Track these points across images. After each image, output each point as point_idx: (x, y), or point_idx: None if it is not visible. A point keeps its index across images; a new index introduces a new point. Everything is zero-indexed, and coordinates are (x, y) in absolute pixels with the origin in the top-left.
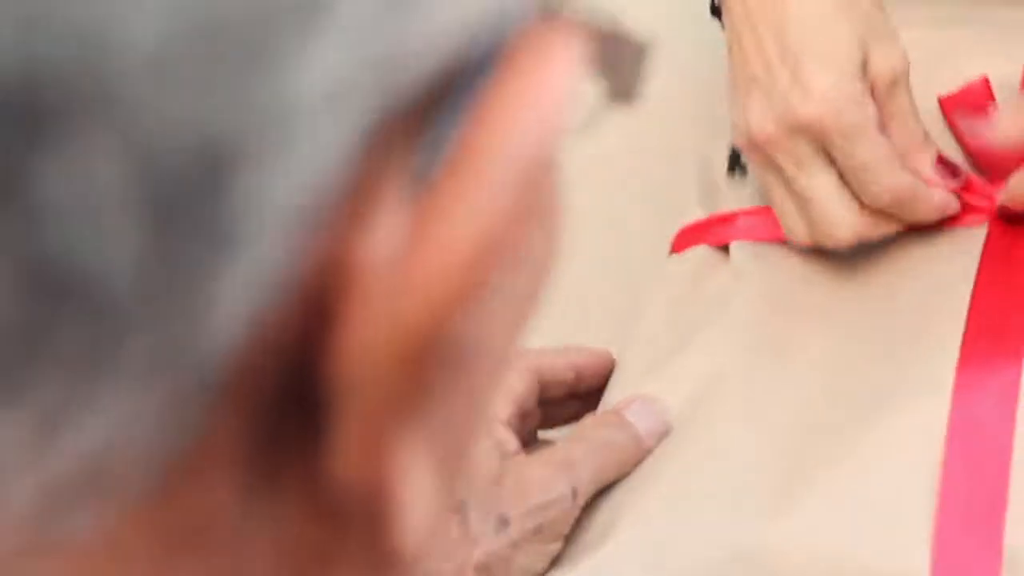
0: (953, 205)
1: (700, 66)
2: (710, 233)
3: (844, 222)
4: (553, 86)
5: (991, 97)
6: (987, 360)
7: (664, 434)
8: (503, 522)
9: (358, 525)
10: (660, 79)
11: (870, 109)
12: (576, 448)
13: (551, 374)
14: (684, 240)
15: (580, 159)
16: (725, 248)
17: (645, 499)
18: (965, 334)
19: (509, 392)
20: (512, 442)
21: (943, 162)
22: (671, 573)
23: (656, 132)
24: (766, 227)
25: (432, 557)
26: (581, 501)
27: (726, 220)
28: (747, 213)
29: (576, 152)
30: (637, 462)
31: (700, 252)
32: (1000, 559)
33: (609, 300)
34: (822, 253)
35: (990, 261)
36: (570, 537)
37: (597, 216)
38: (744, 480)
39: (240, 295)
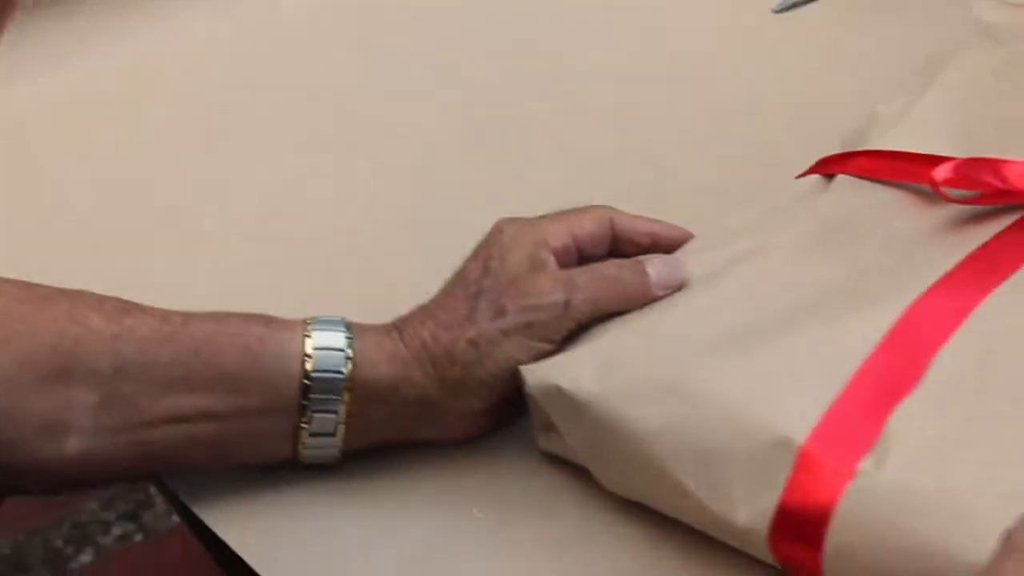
0: None
1: None
2: (834, 164)
3: None
4: None
5: None
6: (955, 288)
7: (675, 287)
8: (500, 312)
9: None
10: None
11: None
12: (583, 273)
13: (626, 231)
14: (813, 168)
15: None
16: None
17: (624, 323)
18: (949, 272)
19: (575, 226)
20: (550, 263)
21: None
22: (614, 387)
23: None
24: (879, 166)
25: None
26: (574, 315)
27: (849, 156)
28: (872, 153)
29: None
30: (641, 303)
31: (815, 179)
32: (876, 435)
33: None
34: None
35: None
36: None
37: None
38: (713, 330)
39: None
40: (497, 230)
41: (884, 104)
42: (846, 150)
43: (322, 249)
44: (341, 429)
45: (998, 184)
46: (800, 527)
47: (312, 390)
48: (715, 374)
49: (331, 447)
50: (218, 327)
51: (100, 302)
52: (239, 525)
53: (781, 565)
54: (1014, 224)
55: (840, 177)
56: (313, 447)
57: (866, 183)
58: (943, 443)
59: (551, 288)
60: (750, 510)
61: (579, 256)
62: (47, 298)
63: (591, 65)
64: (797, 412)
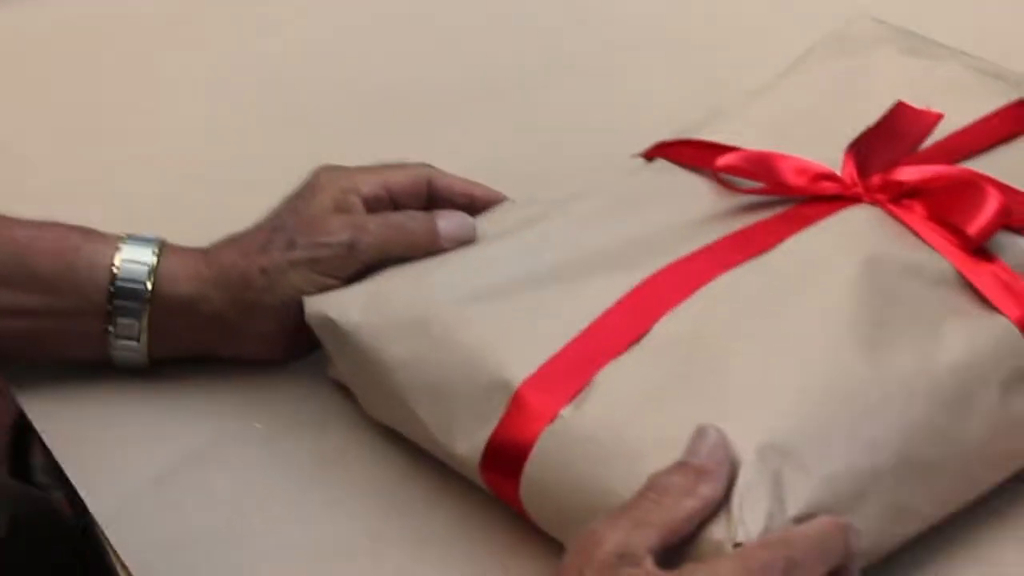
0: None
1: None
2: (661, 149)
3: None
4: None
5: None
6: (698, 263)
7: (462, 241)
8: (291, 245)
9: None
10: None
11: None
12: (376, 219)
13: (444, 190)
14: (647, 151)
15: None
16: None
17: (403, 267)
18: (700, 248)
19: (389, 178)
20: (356, 208)
21: None
22: (373, 321)
23: None
24: (690, 153)
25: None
26: (359, 256)
27: (673, 143)
28: (689, 142)
29: None
30: (426, 252)
31: (640, 160)
32: (582, 385)
33: None
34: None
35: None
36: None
37: None
38: (474, 280)
39: None
40: (314, 174)
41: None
42: (677, 138)
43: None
44: (144, 336)
45: (773, 177)
46: (504, 461)
47: (116, 297)
48: (461, 319)
49: (136, 352)
50: (39, 233)
51: None
52: (49, 409)
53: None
54: (777, 214)
55: (658, 161)
56: (121, 350)
57: (677, 168)
58: (637, 398)
59: (340, 228)
60: (468, 443)
61: (395, 208)
62: None
63: None
64: (521, 359)
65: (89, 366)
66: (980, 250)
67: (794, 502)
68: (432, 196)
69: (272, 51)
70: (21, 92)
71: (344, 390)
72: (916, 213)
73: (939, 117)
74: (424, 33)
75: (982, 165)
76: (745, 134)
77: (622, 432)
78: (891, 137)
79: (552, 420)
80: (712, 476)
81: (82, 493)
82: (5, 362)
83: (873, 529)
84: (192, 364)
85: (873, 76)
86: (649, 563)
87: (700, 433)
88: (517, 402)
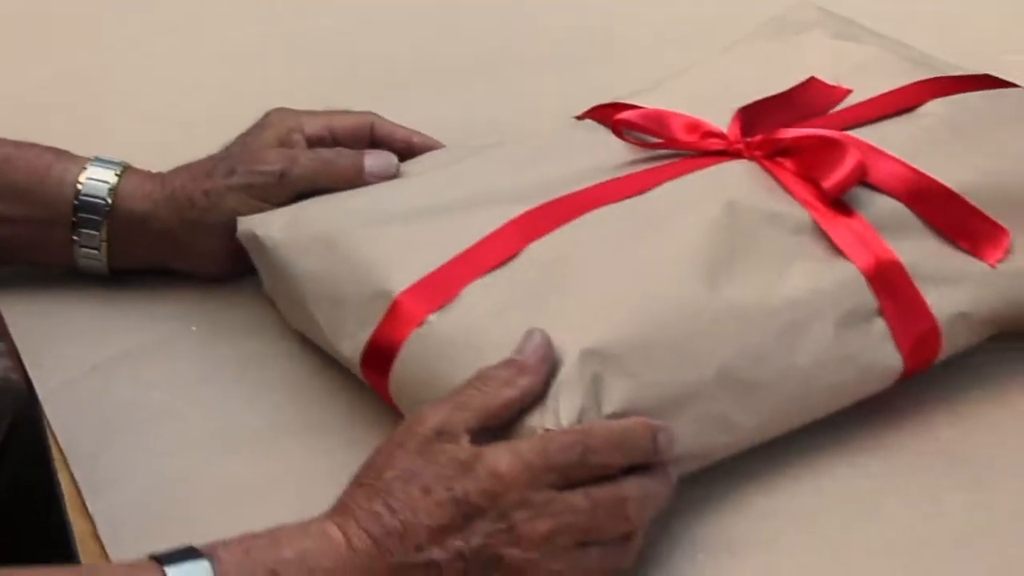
0: None
1: None
2: (594, 112)
3: None
4: None
5: None
6: (576, 200)
7: (385, 177)
8: (231, 172)
9: None
10: None
11: None
12: (309, 154)
13: (385, 136)
14: (584, 113)
15: None
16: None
17: (327, 195)
18: (582, 189)
19: (334, 121)
20: (299, 145)
21: None
22: (290, 237)
23: None
24: (610, 114)
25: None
26: (290, 184)
27: (604, 106)
28: (613, 105)
29: None
30: (352, 185)
31: (572, 120)
32: (451, 297)
33: None
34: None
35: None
36: None
37: None
38: (383, 206)
39: None
40: (267, 114)
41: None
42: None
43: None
44: (104, 247)
45: (666, 132)
46: (379, 360)
47: (80, 210)
48: (362, 238)
49: (97, 260)
50: (17, 151)
51: None
52: (15, 302)
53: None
54: (663, 164)
55: (587, 120)
56: (84, 257)
57: (599, 127)
58: (492, 308)
59: (275, 159)
60: (352, 344)
61: (336, 146)
62: None
63: None
64: (404, 273)
65: (56, 271)
66: (839, 204)
67: (609, 402)
68: (374, 141)
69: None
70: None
71: (273, 303)
72: (786, 169)
73: (847, 92)
74: (436, 6)
75: (868, 132)
76: (669, 102)
77: (473, 336)
78: (791, 106)
79: (420, 325)
80: (532, 370)
81: (30, 372)
82: None
83: (692, 436)
84: (147, 275)
85: (800, 56)
86: (465, 441)
87: (528, 334)
88: (394, 309)
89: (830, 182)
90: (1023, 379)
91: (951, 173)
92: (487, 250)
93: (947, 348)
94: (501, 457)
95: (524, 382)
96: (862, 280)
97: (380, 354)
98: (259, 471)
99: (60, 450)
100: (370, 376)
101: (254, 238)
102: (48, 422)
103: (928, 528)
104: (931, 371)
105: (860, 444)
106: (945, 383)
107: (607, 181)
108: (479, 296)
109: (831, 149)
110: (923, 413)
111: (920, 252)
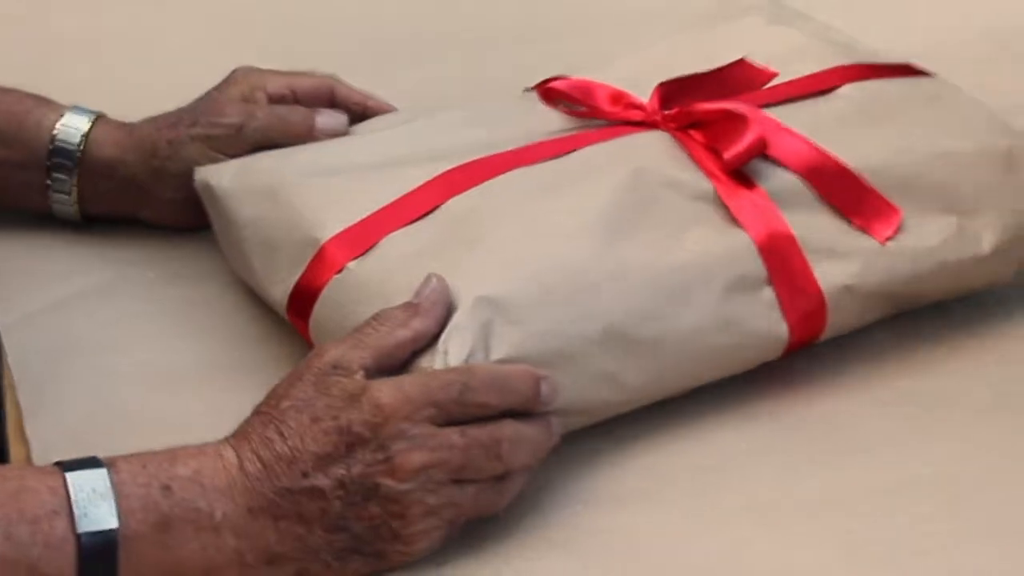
0: None
1: None
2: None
3: None
4: None
5: None
6: (497, 161)
7: (336, 134)
8: (193, 123)
9: None
10: None
11: None
12: (264, 109)
13: (343, 98)
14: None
15: None
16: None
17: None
18: (507, 151)
19: (295, 81)
20: (260, 102)
21: None
22: (236, 186)
23: None
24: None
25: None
26: (246, 137)
27: (551, 79)
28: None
29: None
30: (303, 141)
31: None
32: (370, 245)
33: None
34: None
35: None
36: None
37: None
38: (326, 160)
39: None
40: (233, 71)
41: None
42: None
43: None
44: (75, 192)
45: (591, 102)
46: (302, 304)
47: (53, 155)
48: (300, 189)
49: (69, 205)
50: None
51: None
52: None
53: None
54: (583, 132)
55: (530, 91)
56: (57, 202)
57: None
58: (404, 257)
59: (233, 113)
60: (282, 289)
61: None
62: None
63: None
64: (333, 222)
65: (31, 217)
66: (741, 176)
67: (498, 348)
68: (333, 102)
69: None
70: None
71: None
72: (696, 140)
73: (773, 75)
74: None
75: (780, 111)
76: (609, 78)
77: (385, 282)
78: (715, 84)
79: (340, 271)
80: (426, 314)
81: None
82: None
83: (578, 389)
84: (116, 223)
85: (733, 40)
86: (359, 376)
87: (426, 280)
88: (319, 255)
89: (730, 153)
90: (908, 357)
91: (852, 153)
92: (410, 203)
93: (834, 321)
94: (384, 390)
95: (417, 324)
96: (754, 249)
97: (303, 298)
98: (191, 407)
99: (12, 379)
100: (294, 319)
101: (207, 187)
102: (3, 352)
103: (785, 494)
104: (822, 345)
105: (745, 410)
106: (835, 356)
107: (530, 144)
108: (396, 245)
109: (735, 123)
110: (808, 384)
111: (813, 226)
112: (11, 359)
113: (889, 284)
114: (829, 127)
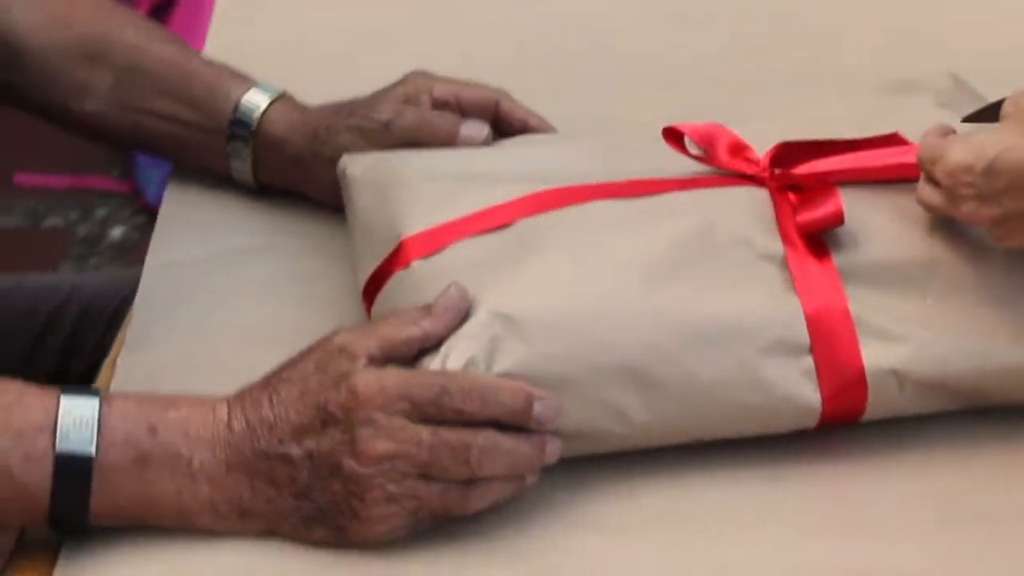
0: None
1: None
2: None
3: None
4: None
5: None
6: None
7: (476, 144)
8: (352, 114)
9: None
10: None
11: None
12: (410, 110)
13: (506, 114)
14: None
15: None
16: None
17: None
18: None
19: (463, 90)
20: (423, 104)
21: None
22: (364, 178)
23: None
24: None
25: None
26: (394, 134)
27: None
28: None
29: None
30: (444, 145)
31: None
32: (439, 248)
33: None
34: None
35: None
36: None
37: None
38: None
39: None
40: (408, 74)
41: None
42: None
43: None
44: (249, 161)
45: (711, 146)
46: (373, 291)
47: (233, 125)
48: (410, 188)
49: (245, 173)
50: (203, 67)
51: (143, 26)
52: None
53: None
54: (687, 177)
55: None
56: (235, 169)
57: None
58: (462, 265)
59: (385, 110)
60: (364, 275)
61: (461, 114)
62: (112, 9)
63: None
64: (419, 222)
65: (213, 177)
66: (818, 244)
67: (501, 362)
68: (497, 116)
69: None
70: None
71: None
72: (789, 203)
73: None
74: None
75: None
76: (759, 131)
77: (436, 284)
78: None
79: (406, 267)
80: (438, 317)
81: (154, 247)
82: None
83: (583, 418)
84: (286, 195)
85: (892, 114)
86: (362, 363)
87: (448, 287)
88: (397, 250)
89: (804, 218)
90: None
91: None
92: (490, 216)
93: (877, 403)
94: (365, 378)
95: (427, 324)
96: (801, 316)
97: (374, 286)
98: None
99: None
100: (366, 304)
101: (343, 173)
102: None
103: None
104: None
105: (767, 472)
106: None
107: (629, 180)
108: (460, 252)
109: (822, 191)
110: (841, 461)
111: (876, 306)
112: (140, 299)
113: (943, 377)
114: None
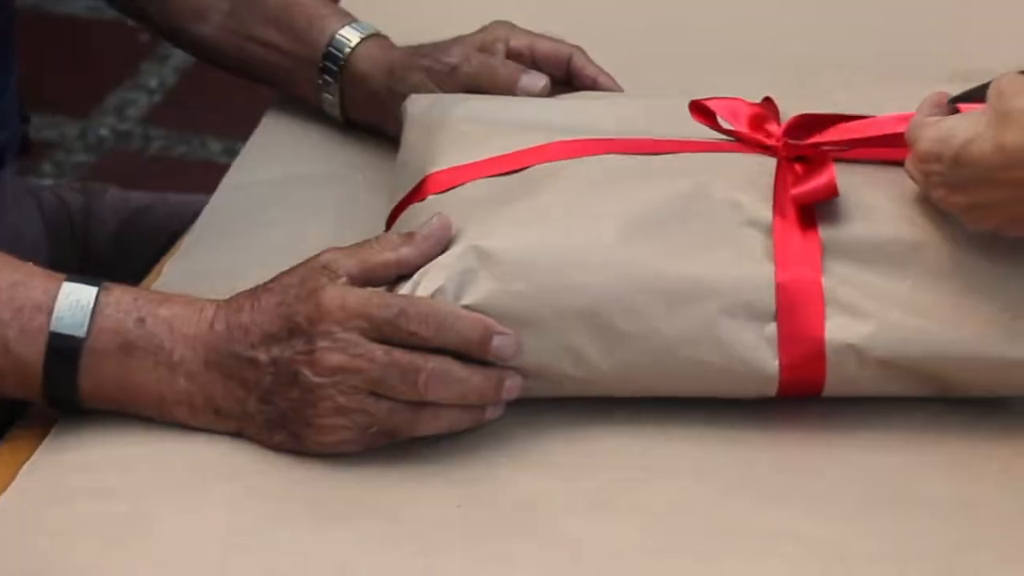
0: None
1: None
2: None
3: None
4: None
5: None
6: (612, 143)
7: (534, 94)
8: (425, 55)
9: None
10: None
11: None
12: (481, 57)
13: (577, 69)
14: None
15: None
16: None
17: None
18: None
19: (538, 41)
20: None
21: None
22: (422, 119)
23: None
24: None
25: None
26: (457, 78)
27: None
28: None
29: None
30: (504, 92)
31: None
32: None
33: None
34: None
35: None
36: None
37: None
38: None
39: None
40: (490, 23)
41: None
42: None
43: None
44: (337, 95)
45: (729, 117)
46: (392, 221)
47: (324, 58)
48: (449, 129)
49: (333, 106)
50: (310, 0)
51: None
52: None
53: None
54: (701, 140)
55: None
56: (326, 102)
57: None
58: (470, 201)
59: (454, 54)
60: (392, 204)
61: (534, 68)
62: None
63: None
64: (445, 161)
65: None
66: (806, 216)
67: (469, 295)
68: (570, 71)
69: None
70: None
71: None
72: (791, 172)
73: None
74: None
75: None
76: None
77: (454, 216)
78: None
79: (423, 200)
80: (416, 244)
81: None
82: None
83: (543, 357)
84: (371, 131)
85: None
86: (341, 280)
87: (431, 217)
88: (420, 184)
89: (797, 190)
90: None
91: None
92: (508, 160)
93: (835, 379)
94: (330, 294)
95: (406, 251)
96: (772, 283)
97: (394, 218)
98: None
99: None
100: (388, 228)
101: (404, 110)
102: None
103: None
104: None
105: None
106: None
107: (641, 138)
108: (471, 190)
109: (819, 163)
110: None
111: (852, 281)
112: (205, 213)
113: (903, 358)
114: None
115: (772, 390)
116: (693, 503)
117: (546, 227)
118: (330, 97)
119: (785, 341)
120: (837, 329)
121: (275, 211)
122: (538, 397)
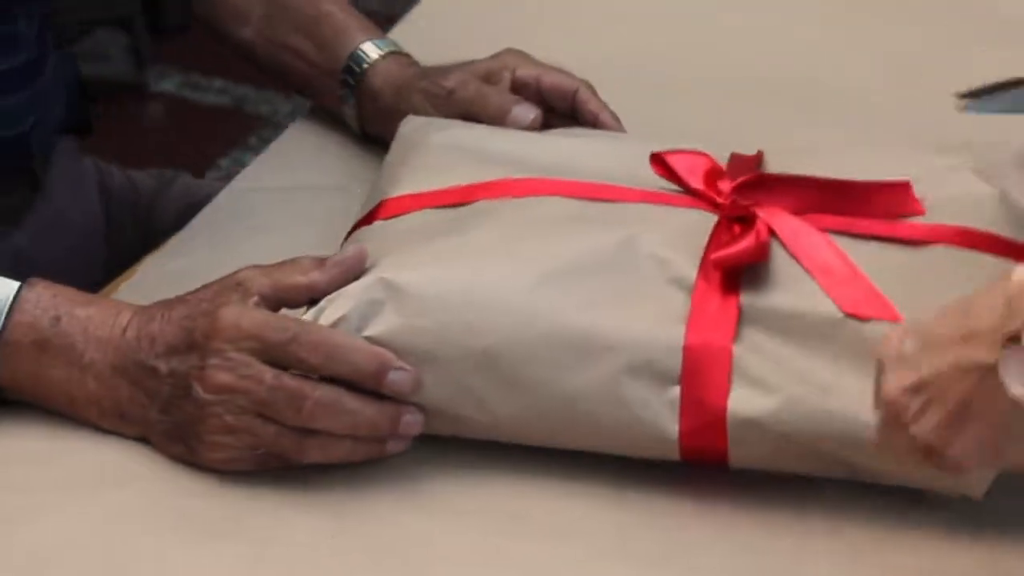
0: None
1: None
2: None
3: None
4: None
5: None
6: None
7: (524, 126)
8: (426, 77)
9: None
10: None
11: None
12: (476, 84)
13: (582, 107)
14: None
15: None
16: None
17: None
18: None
19: (545, 73)
20: (503, 81)
21: None
22: (409, 139)
23: None
24: None
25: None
26: (454, 104)
27: None
28: None
29: None
30: (494, 122)
31: None
32: (401, 212)
33: None
34: None
35: None
36: None
37: None
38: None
39: None
40: (502, 51)
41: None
42: None
43: None
44: (354, 104)
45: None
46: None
47: (344, 71)
48: (422, 154)
49: (351, 117)
50: (338, 12)
51: None
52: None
53: None
54: (648, 190)
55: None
56: (346, 114)
57: None
58: (409, 230)
59: (452, 79)
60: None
61: (539, 99)
62: None
63: None
64: (406, 186)
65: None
66: (730, 279)
67: (373, 326)
68: (573, 106)
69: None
70: None
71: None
72: (728, 232)
73: (918, 211)
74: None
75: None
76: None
77: (381, 244)
78: (839, 195)
79: (370, 223)
80: (326, 271)
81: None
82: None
83: (442, 394)
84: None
85: (917, 169)
86: (253, 300)
87: (347, 246)
88: (376, 208)
89: (716, 254)
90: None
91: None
92: (461, 192)
93: (739, 451)
94: (228, 313)
95: (315, 276)
96: (677, 346)
97: (347, 239)
98: None
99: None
100: None
101: (398, 131)
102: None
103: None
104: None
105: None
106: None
107: (593, 182)
108: (415, 219)
109: (747, 227)
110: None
111: (766, 354)
112: (203, 212)
113: (804, 436)
114: (882, 275)
115: (675, 455)
116: (561, 565)
117: (462, 266)
118: (349, 110)
119: (687, 406)
120: (740, 400)
121: (268, 218)
122: (445, 435)
